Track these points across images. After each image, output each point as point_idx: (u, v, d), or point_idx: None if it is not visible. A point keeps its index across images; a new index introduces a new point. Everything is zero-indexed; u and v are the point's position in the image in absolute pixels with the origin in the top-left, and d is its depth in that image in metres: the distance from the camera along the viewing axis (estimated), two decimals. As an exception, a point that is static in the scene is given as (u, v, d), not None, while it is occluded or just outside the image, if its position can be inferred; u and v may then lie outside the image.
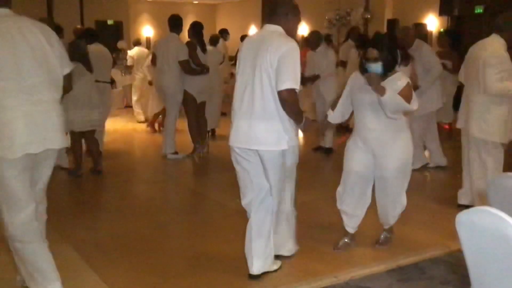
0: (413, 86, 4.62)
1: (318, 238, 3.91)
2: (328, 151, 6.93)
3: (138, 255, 3.65)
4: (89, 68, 5.71)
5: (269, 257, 3.24)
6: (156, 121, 8.92)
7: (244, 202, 3.26)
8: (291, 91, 2.91)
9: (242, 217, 4.35)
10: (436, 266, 3.48)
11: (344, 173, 3.63)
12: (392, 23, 12.97)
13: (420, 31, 6.98)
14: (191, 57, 6.52)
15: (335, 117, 3.63)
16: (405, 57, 4.98)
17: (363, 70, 3.42)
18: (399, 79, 3.39)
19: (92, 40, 6.79)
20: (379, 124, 3.42)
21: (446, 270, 3.42)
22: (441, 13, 12.32)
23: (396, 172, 3.49)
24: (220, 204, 4.90)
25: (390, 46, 3.42)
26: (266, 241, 3.20)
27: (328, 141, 6.92)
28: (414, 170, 6.08)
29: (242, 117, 3.06)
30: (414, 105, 3.40)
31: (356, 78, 3.54)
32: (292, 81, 2.90)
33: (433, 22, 12.37)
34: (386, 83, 3.34)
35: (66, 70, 2.84)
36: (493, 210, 1.69)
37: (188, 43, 6.65)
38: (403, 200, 3.63)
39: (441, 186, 5.81)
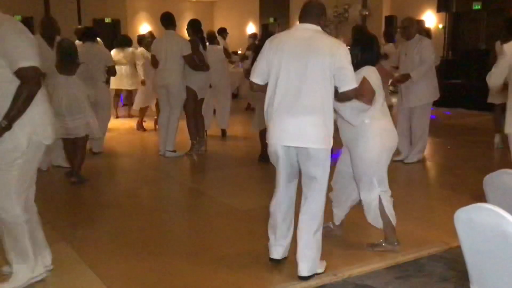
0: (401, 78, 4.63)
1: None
2: None
3: (136, 254, 3.65)
4: (74, 70, 5.27)
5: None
6: (143, 121, 8.91)
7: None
8: (355, 89, 3.10)
9: (242, 215, 4.36)
10: (435, 263, 3.49)
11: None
12: (390, 19, 12.99)
13: (422, 27, 7.00)
14: (196, 54, 6.55)
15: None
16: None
17: None
18: (358, 73, 3.39)
19: (90, 39, 6.78)
20: (345, 122, 3.53)
21: (445, 267, 3.42)
22: (439, 9, 12.35)
23: (359, 168, 3.50)
24: (219, 202, 4.90)
25: (364, 43, 3.57)
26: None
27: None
28: (410, 164, 6.19)
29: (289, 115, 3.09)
30: (376, 103, 3.44)
31: None
32: (354, 81, 3.10)
33: (431, 19, 12.38)
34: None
35: (22, 64, 2.69)
36: (492, 207, 1.69)
37: (191, 41, 6.65)
38: (373, 198, 3.57)
39: (439, 183, 5.82)
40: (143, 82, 9.02)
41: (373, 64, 3.55)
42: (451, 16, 12.42)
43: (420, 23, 7.37)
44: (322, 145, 3.06)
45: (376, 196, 3.54)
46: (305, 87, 3.02)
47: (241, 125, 9.33)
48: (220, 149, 7.54)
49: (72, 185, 5.39)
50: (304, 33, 3.13)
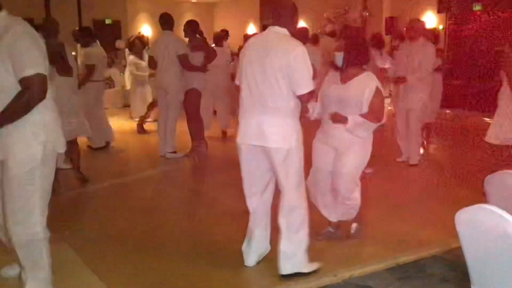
0: (399, 79, 4.70)
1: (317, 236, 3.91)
2: None
3: (136, 255, 3.65)
4: (60, 72, 5.16)
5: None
6: (145, 123, 8.93)
7: None
8: (310, 93, 3.08)
9: (242, 216, 4.35)
10: (436, 264, 3.48)
11: (312, 168, 3.73)
12: (390, 21, 12.98)
13: (427, 31, 7.02)
14: (210, 50, 6.73)
15: (316, 112, 3.67)
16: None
17: (333, 63, 3.61)
18: (366, 84, 3.44)
19: (88, 40, 6.80)
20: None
21: (445, 268, 3.42)
22: (439, 10, 12.33)
23: (351, 169, 3.55)
24: (220, 203, 4.90)
25: (358, 43, 3.60)
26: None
27: None
28: (411, 165, 6.19)
29: (251, 115, 3.14)
30: (384, 118, 3.53)
31: (331, 74, 3.69)
32: (309, 84, 3.04)
33: (431, 20, 12.37)
34: (355, 82, 3.49)
35: (26, 72, 2.52)
36: (493, 208, 1.69)
37: (198, 40, 6.70)
38: (356, 197, 3.67)
39: (440, 184, 5.81)
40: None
41: (361, 66, 3.57)
42: (451, 17, 12.41)
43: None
44: (281, 144, 3.06)
45: (358, 195, 3.67)
46: (264, 89, 3.05)
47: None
48: (220, 150, 7.54)
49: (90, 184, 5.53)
50: (267, 35, 3.16)
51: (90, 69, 6.75)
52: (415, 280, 3.26)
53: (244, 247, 3.42)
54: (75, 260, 3.55)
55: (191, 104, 6.74)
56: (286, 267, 3.19)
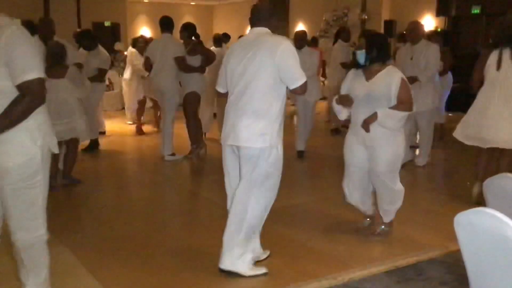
0: (410, 79, 4.75)
1: (316, 239, 3.91)
2: (299, 154, 6.79)
3: (135, 257, 3.64)
4: (62, 74, 5.24)
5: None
6: (143, 124, 8.95)
7: None
8: (304, 84, 3.08)
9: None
10: (435, 267, 3.48)
11: (345, 167, 3.85)
12: (389, 23, 13.01)
13: (425, 32, 7.02)
14: (208, 52, 6.74)
15: (342, 115, 3.84)
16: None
17: (353, 59, 3.71)
18: (391, 76, 3.56)
19: (95, 43, 6.81)
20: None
21: (444, 271, 3.42)
22: (438, 13, 12.36)
23: (386, 166, 3.67)
24: (219, 206, 4.88)
25: (380, 41, 3.67)
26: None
27: (301, 145, 6.81)
28: (416, 167, 6.19)
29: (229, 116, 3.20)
30: (413, 106, 3.66)
31: (353, 73, 3.78)
32: (301, 76, 3.06)
33: (430, 23, 12.40)
34: (379, 77, 3.59)
35: (27, 77, 2.43)
36: (491, 211, 1.69)
37: (195, 44, 6.71)
38: (399, 188, 3.81)
39: (439, 187, 5.81)
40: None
41: (384, 62, 3.65)
42: (450, 20, 12.44)
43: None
44: (253, 144, 3.06)
45: (400, 189, 3.80)
46: (246, 90, 3.07)
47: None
48: (219, 152, 7.54)
49: (63, 187, 5.38)
50: (249, 36, 3.20)
51: (102, 73, 6.84)
52: (414, 283, 3.26)
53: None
54: (73, 262, 3.55)
55: (190, 107, 6.73)
56: (225, 262, 3.23)
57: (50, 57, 5.26)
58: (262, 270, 3.30)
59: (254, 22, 3.20)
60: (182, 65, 6.45)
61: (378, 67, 3.62)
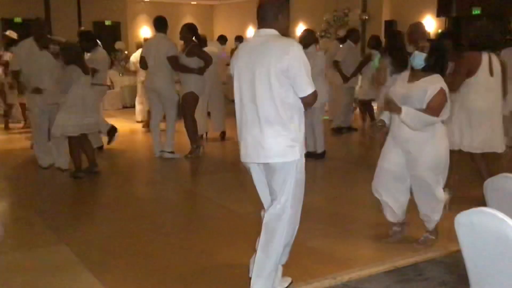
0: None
1: (316, 239, 3.91)
2: (319, 156, 6.71)
3: (135, 257, 3.64)
4: (84, 71, 5.60)
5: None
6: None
7: None
8: (313, 94, 2.84)
9: (241, 218, 4.36)
10: (434, 267, 3.48)
11: (377, 168, 3.76)
12: (389, 24, 13.01)
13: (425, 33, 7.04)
14: (205, 55, 6.68)
15: (385, 116, 3.78)
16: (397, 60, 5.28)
17: (410, 62, 3.63)
18: (432, 83, 3.47)
19: (93, 44, 6.83)
20: None
21: (444, 271, 3.42)
22: (439, 14, 12.36)
23: (428, 170, 3.57)
24: (218, 205, 4.90)
25: (443, 50, 3.60)
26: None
27: (320, 145, 6.75)
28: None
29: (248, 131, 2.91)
30: (444, 114, 3.52)
31: (402, 75, 3.75)
32: (310, 85, 2.82)
33: (430, 23, 12.40)
34: (421, 82, 3.50)
35: None
36: (492, 211, 1.69)
37: (194, 45, 6.70)
38: (439, 196, 3.65)
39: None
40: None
41: (443, 74, 3.58)
42: (450, 20, 12.44)
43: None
44: (284, 158, 2.82)
45: (440, 195, 3.65)
46: (257, 97, 2.80)
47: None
48: (218, 151, 7.54)
49: (91, 186, 5.64)
50: (258, 39, 2.93)
51: (93, 73, 6.82)
52: (413, 284, 3.26)
53: (252, 258, 3.09)
54: (72, 260, 3.55)
55: (188, 107, 6.74)
56: (257, 284, 2.91)
57: (68, 56, 5.49)
58: (289, 280, 3.15)
59: (260, 22, 2.93)
60: (175, 64, 6.45)
61: (425, 73, 3.52)
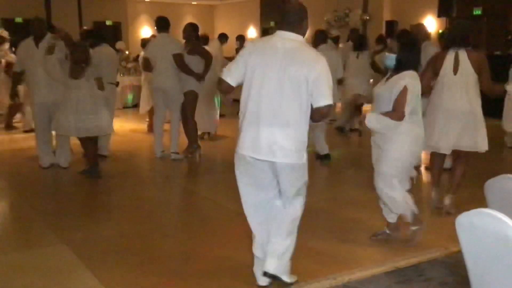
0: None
1: (317, 239, 3.91)
2: (325, 157, 6.68)
3: (136, 257, 3.64)
4: (81, 74, 5.50)
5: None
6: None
7: None
8: (327, 106, 2.89)
9: (241, 218, 4.34)
10: (435, 268, 3.48)
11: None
12: (390, 24, 13.01)
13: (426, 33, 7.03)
14: (207, 54, 6.78)
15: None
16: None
17: (384, 61, 3.69)
18: (398, 81, 3.52)
19: (99, 42, 6.82)
20: None
21: (444, 272, 3.42)
22: (440, 14, 12.35)
23: (386, 167, 3.60)
24: (219, 206, 4.90)
25: (413, 47, 3.64)
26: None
27: (323, 148, 6.70)
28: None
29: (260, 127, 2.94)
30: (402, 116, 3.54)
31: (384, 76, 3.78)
32: (329, 98, 2.88)
33: (431, 24, 12.39)
34: (392, 80, 3.55)
35: None
36: (493, 212, 1.69)
37: (197, 45, 6.77)
38: (395, 196, 3.64)
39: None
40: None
41: (414, 68, 3.58)
42: (451, 21, 12.44)
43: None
44: (294, 159, 2.92)
45: (400, 194, 3.65)
46: (281, 100, 2.86)
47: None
48: (219, 152, 7.54)
49: (92, 186, 5.59)
50: (285, 43, 2.92)
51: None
52: (414, 284, 3.26)
53: (255, 267, 3.18)
54: (73, 261, 3.54)
55: (189, 106, 6.74)
56: (271, 265, 3.05)
57: (75, 60, 5.47)
58: (295, 277, 3.22)
59: (282, 24, 2.95)
60: (180, 62, 6.44)
61: (399, 72, 3.55)
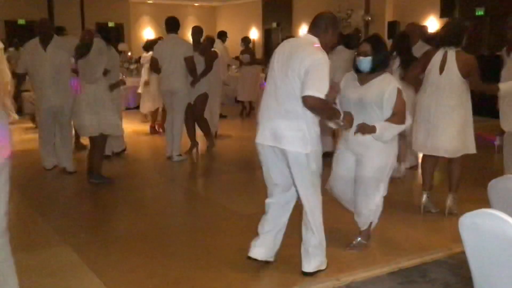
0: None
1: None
2: (326, 155, 6.70)
3: (139, 257, 3.65)
4: (104, 71, 5.55)
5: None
6: (156, 123, 8.96)
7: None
8: (312, 98, 2.97)
9: (244, 219, 4.35)
10: (438, 269, 3.47)
11: (331, 174, 3.73)
12: (392, 25, 13.00)
13: (425, 33, 6.96)
14: (211, 55, 7.09)
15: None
16: (406, 62, 5.14)
17: (354, 66, 3.55)
18: (387, 84, 3.46)
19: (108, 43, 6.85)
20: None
21: (448, 273, 3.41)
22: (442, 15, 12.34)
23: (373, 173, 3.52)
24: (222, 207, 4.89)
25: (383, 46, 3.58)
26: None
27: (328, 144, 6.76)
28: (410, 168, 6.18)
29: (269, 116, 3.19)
30: (408, 120, 3.57)
31: (347, 77, 3.66)
32: (314, 89, 2.97)
33: (434, 24, 12.38)
34: (374, 83, 3.48)
35: None
36: (497, 212, 1.68)
37: (206, 46, 7.05)
38: (378, 202, 3.61)
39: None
40: (146, 83, 9.07)
41: (384, 69, 3.55)
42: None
43: (423, 28, 7.32)
44: (298, 148, 3.08)
45: (379, 201, 3.60)
46: (283, 92, 3.09)
47: (243, 129, 9.34)
48: (222, 152, 7.54)
49: (93, 186, 5.47)
50: (296, 41, 3.24)
51: (105, 74, 6.84)
52: (417, 285, 3.26)
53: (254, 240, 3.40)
54: (76, 262, 3.55)
55: (202, 106, 6.97)
56: (311, 265, 3.27)
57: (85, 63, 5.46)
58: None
59: (309, 28, 3.23)
60: (192, 65, 6.52)
61: (375, 73, 3.50)
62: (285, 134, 3.09)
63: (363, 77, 3.53)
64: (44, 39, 5.83)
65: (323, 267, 3.32)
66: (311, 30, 3.21)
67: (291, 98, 3.06)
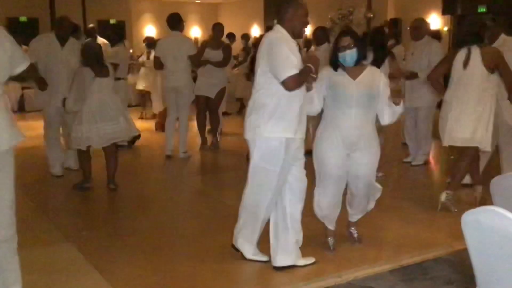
0: (409, 75, 4.75)
1: (321, 238, 3.90)
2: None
3: (142, 255, 3.65)
4: (106, 73, 5.09)
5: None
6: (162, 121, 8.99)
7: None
8: (290, 78, 3.06)
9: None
10: (440, 266, 3.48)
11: (321, 176, 3.56)
12: (394, 22, 12.98)
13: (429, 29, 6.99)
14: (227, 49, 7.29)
15: (316, 105, 3.55)
16: (381, 56, 5.32)
17: (334, 62, 3.48)
18: (377, 75, 3.52)
19: (118, 41, 6.85)
20: (366, 121, 3.46)
21: (449, 270, 3.41)
22: (444, 12, 12.32)
23: (372, 166, 3.56)
24: (225, 205, 4.90)
25: (359, 38, 3.60)
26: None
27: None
28: (415, 166, 6.19)
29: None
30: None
31: (330, 75, 3.49)
32: (286, 70, 3.06)
33: (436, 21, 12.36)
34: (366, 76, 3.46)
35: (20, 68, 2.92)
36: (499, 210, 1.68)
37: (227, 46, 7.24)
38: (377, 187, 3.67)
39: (444, 185, 5.79)
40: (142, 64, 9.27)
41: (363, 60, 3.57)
42: (456, 18, 12.40)
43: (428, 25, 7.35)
44: (246, 135, 3.29)
45: (380, 189, 3.68)
46: (255, 85, 3.27)
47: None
48: (225, 149, 7.54)
49: (112, 191, 5.29)
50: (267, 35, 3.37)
51: (115, 68, 6.78)
52: (419, 282, 3.26)
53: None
54: (79, 259, 3.56)
55: (219, 101, 7.21)
56: (282, 260, 3.33)
57: (89, 58, 5.08)
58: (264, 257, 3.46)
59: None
60: (197, 62, 6.72)
61: (361, 66, 3.47)
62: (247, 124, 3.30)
63: (352, 71, 3.44)
64: (63, 37, 5.73)
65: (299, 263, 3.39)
66: (278, 21, 3.27)
67: (259, 90, 3.23)
